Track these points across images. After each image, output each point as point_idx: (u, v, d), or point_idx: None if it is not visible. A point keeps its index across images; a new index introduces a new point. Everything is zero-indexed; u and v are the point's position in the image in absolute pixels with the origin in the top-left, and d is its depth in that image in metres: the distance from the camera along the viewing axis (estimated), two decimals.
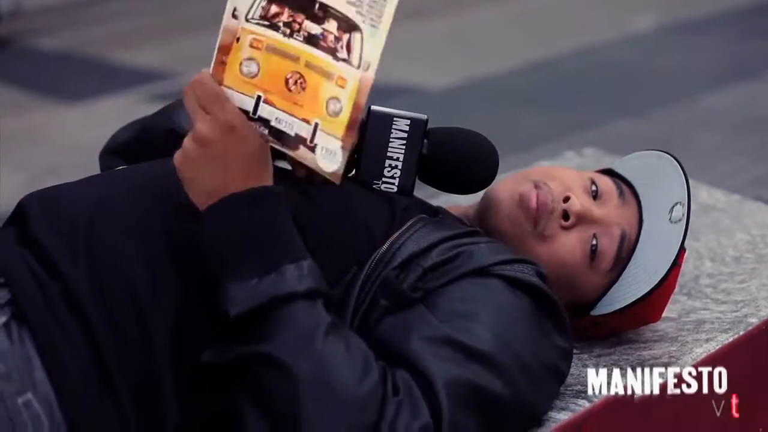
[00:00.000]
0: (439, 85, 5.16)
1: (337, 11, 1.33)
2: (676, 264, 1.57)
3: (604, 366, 1.61)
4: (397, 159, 1.49)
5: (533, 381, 1.39)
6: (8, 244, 1.37)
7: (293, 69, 1.33)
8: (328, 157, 1.35)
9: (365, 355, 1.27)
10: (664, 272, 1.52)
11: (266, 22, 1.33)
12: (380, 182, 1.49)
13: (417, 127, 1.49)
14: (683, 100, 4.73)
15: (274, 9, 1.34)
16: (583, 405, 1.51)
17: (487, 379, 1.32)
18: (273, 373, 1.24)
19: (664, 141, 4.07)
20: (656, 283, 1.53)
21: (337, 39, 1.33)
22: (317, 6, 1.34)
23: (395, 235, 1.43)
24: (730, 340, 1.68)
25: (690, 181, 2.27)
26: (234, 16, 1.34)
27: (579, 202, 1.56)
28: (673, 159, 1.63)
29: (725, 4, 6.43)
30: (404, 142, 1.49)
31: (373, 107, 1.49)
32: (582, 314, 1.61)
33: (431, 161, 1.50)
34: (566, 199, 1.56)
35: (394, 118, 1.49)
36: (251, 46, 1.33)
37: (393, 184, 1.49)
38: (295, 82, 1.33)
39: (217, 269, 1.27)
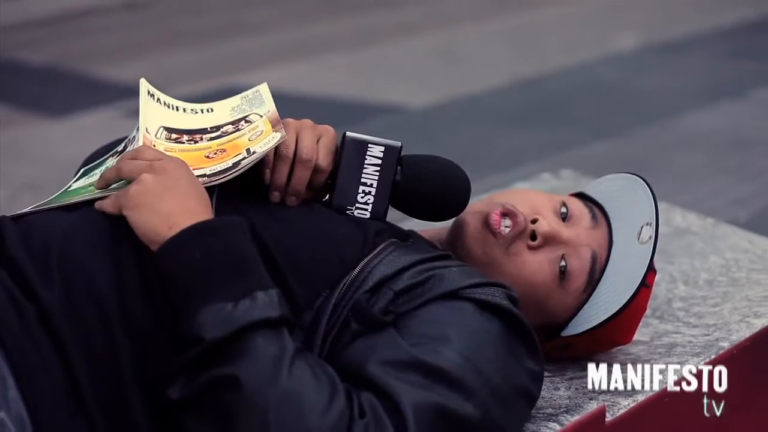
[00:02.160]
0: (421, 103, 5.16)
1: (227, 123, 1.53)
2: (645, 285, 1.58)
3: (576, 389, 1.62)
4: (371, 185, 1.51)
5: (503, 404, 1.39)
6: None
7: (207, 153, 1.47)
8: (270, 141, 1.45)
9: (331, 379, 1.28)
10: (632, 293, 1.54)
11: (171, 142, 1.47)
12: (354, 208, 1.51)
13: (391, 153, 1.51)
14: (665, 120, 4.74)
15: (174, 135, 1.49)
16: (554, 428, 1.52)
17: (455, 403, 1.32)
18: (241, 399, 1.23)
19: (644, 162, 4.09)
20: (624, 303, 1.54)
21: (235, 128, 1.51)
22: (209, 128, 1.52)
23: (366, 259, 1.43)
24: (702, 364, 1.68)
25: (664, 204, 2.29)
26: (147, 131, 1.47)
27: (547, 223, 1.58)
28: (642, 180, 1.64)
29: (708, 24, 6.46)
30: (378, 168, 1.51)
31: (348, 133, 1.51)
32: (553, 335, 1.62)
33: (404, 188, 1.52)
34: (534, 221, 1.58)
35: (369, 145, 1.51)
36: (165, 150, 1.46)
37: (366, 210, 1.51)
38: (214, 153, 1.46)
39: (185, 296, 1.27)
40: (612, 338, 1.66)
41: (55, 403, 1.28)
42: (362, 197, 1.51)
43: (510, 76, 5.50)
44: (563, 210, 1.62)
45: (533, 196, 1.63)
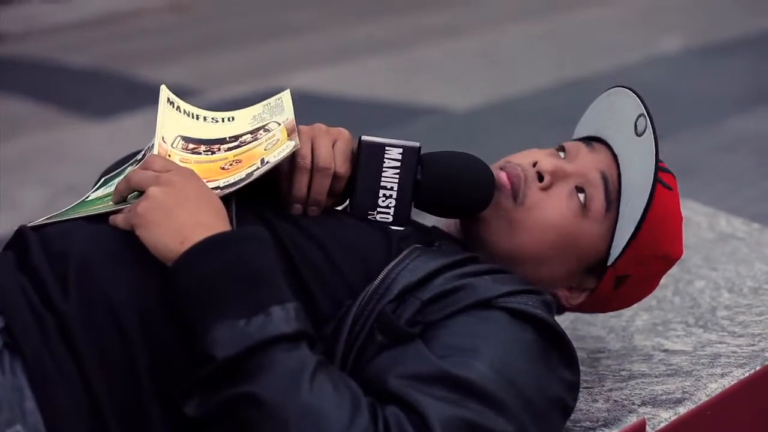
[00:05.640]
0: (463, 105, 5.14)
1: (246, 132, 1.50)
2: (668, 187, 1.54)
3: (615, 401, 1.58)
4: (391, 188, 1.48)
5: (537, 417, 1.34)
6: (7, 269, 1.34)
7: (223, 164, 1.44)
8: (283, 150, 1.42)
9: (354, 393, 1.24)
10: (650, 186, 1.47)
11: (188, 152, 1.45)
12: (375, 212, 1.48)
13: (410, 154, 1.48)
14: (710, 123, 4.68)
15: (191, 146, 1.46)
16: None
17: (486, 417, 1.28)
18: (261, 415, 1.20)
19: (689, 165, 4.03)
20: (648, 198, 1.47)
21: (253, 137, 1.48)
22: (228, 138, 1.49)
23: (389, 267, 1.40)
24: (746, 375, 1.64)
25: (709, 209, 2.24)
26: (164, 140, 1.45)
27: (548, 161, 1.54)
28: (620, 87, 1.59)
29: (753, 27, 6.39)
30: (397, 170, 1.48)
31: (364, 137, 1.48)
32: (602, 272, 1.57)
33: (426, 188, 1.48)
34: (534, 164, 1.54)
35: (386, 147, 1.48)
36: (181, 161, 1.44)
37: (388, 213, 1.48)
38: (230, 164, 1.43)
39: (198, 312, 1.24)
40: (660, 252, 1.58)
41: (73, 416, 1.25)
42: (383, 201, 1.49)
43: (552, 79, 5.46)
44: (560, 153, 1.58)
45: (527, 152, 1.59)
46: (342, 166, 1.47)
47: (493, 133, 4.63)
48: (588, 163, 1.55)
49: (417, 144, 1.48)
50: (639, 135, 1.52)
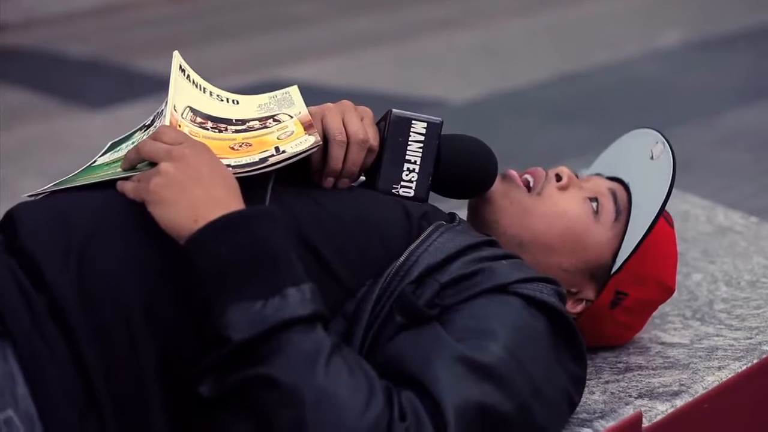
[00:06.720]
0: (462, 97, 5.13)
1: (253, 118, 1.50)
2: (670, 225, 1.66)
3: (612, 393, 1.58)
4: (415, 162, 1.51)
5: (545, 404, 1.36)
6: None
7: (232, 144, 1.43)
8: (302, 143, 1.42)
9: (369, 377, 1.24)
10: (666, 190, 1.56)
11: (196, 126, 1.44)
12: (399, 186, 1.50)
13: (433, 129, 1.52)
14: (709, 117, 4.68)
15: (199, 120, 1.46)
16: None
17: (497, 400, 1.30)
18: (278, 397, 1.20)
19: (687, 159, 4.03)
20: (660, 206, 1.55)
21: (262, 125, 1.49)
22: (234, 120, 1.50)
23: (413, 246, 1.41)
24: (743, 368, 1.64)
25: (708, 202, 2.25)
26: (175, 109, 1.44)
27: (566, 170, 1.63)
28: (632, 133, 1.74)
29: (753, 21, 6.38)
30: (421, 145, 1.51)
31: (394, 110, 1.51)
32: (605, 280, 1.60)
33: (443, 163, 1.52)
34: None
35: (413, 121, 1.51)
36: (190, 133, 1.42)
37: (410, 187, 1.51)
38: (240, 145, 1.43)
39: (214, 292, 1.23)
40: (659, 275, 1.64)
41: (66, 401, 1.25)
42: (407, 175, 1.51)
43: (552, 72, 5.45)
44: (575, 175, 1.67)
45: None
46: (375, 139, 1.49)
47: (492, 126, 4.62)
48: (599, 183, 1.64)
49: (439, 119, 1.51)
50: (653, 158, 1.62)
